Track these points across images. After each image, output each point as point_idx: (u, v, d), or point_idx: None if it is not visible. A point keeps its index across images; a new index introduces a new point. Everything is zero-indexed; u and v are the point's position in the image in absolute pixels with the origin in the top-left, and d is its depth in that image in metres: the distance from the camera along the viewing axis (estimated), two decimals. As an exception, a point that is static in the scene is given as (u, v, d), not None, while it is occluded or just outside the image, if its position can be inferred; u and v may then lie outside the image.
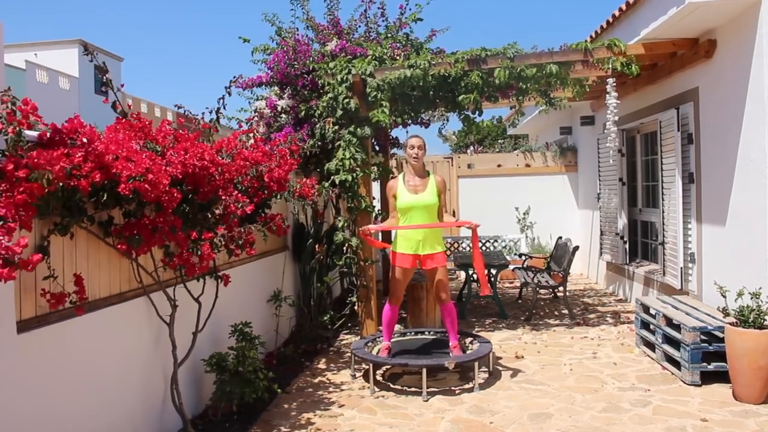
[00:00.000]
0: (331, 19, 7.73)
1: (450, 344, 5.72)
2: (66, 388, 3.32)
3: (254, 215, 4.54)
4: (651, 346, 6.06)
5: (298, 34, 7.52)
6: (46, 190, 2.80)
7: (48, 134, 3.07)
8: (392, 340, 5.92)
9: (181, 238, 3.74)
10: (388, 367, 5.86)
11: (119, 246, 3.62)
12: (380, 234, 9.38)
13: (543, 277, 8.65)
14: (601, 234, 9.90)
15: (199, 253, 3.90)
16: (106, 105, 4.01)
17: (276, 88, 7.59)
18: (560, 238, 9.36)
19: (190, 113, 4.92)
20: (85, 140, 3.14)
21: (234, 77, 7.22)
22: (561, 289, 8.22)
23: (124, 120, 3.87)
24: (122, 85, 4.25)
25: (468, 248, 10.70)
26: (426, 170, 5.79)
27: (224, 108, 4.89)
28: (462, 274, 10.40)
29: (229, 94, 4.92)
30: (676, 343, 5.44)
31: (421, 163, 5.72)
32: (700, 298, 6.57)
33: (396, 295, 5.76)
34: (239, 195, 4.06)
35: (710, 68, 6.41)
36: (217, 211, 4.01)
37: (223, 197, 4.00)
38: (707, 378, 5.20)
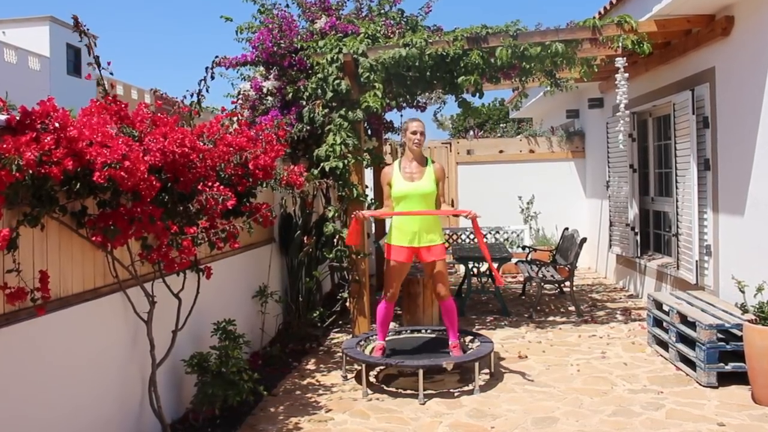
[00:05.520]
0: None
1: (449, 343, 5.73)
2: (36, 391, 3.31)
3: (239, 206, 4.52)
4: (664, 345, 6.09)
5: (283, 11, 7.47)
6: (15, 178, 2.78)
7: (17, 118, 3.05)
8: (387, 339, 5.93)
9: (160, 229, 3.72)
10: (382, 368, 5.88)
11: (94, 238, 3.60)
12: (373, 224, 9.41)
13: (548, 271, 8.67)
14: (611, 225, 9.93)
15: (180, 246, 3.89)
16: (79, 87, 4.04)
17: (261, 68, 7.56)
18: (566, 229, 9.39)
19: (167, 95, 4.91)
20: (57, 125, 3.12)
21: (216, 57, 7.18)
22: (567, 284, 8.26)
23: (99, 102, 3.84)
24: (109, 63, 4.20)
25: (468, 240, 10.71)
26: (425, 157, 5.80)
27: (207, 91, 4.87)
28: (461, 268, 10.42)
29: (212, 77, 4.90)
30: (691, 342, 5.46)
31: (421, 149, 5.73)
32: (717, 293, 6.60)
33: (391, 291, 5.75)
34: (221, 187, 4.04)
35: (727, 47, 6.41)
36: (198, 204, 3.99)
37: (205, 190, 3.98)
38: (724, 379, 5.22)
